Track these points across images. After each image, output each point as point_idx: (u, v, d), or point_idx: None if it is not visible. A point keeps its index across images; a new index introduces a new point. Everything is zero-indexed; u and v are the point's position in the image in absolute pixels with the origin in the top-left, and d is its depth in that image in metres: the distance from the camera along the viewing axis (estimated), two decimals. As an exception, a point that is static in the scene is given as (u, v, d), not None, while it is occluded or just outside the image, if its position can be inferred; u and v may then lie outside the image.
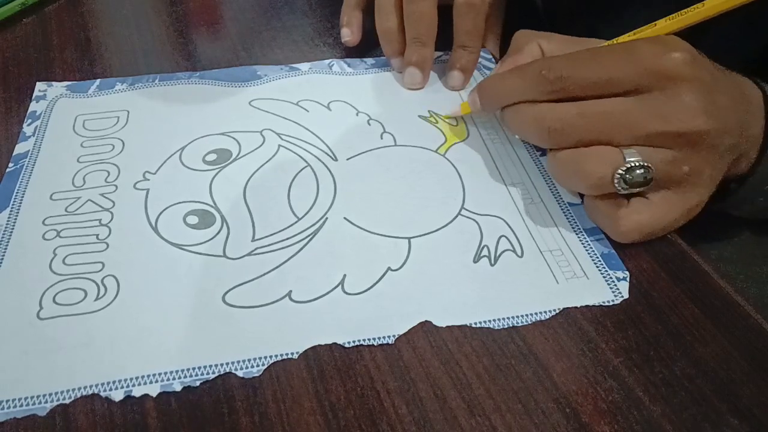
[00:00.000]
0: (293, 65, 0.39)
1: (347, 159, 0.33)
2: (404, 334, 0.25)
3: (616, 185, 0.26)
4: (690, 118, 0.25)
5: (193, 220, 0.29)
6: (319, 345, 0.24)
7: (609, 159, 0.26)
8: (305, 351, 0.24)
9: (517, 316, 0.25)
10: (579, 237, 0.29)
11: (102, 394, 0.23)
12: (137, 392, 0.23)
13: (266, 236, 0.28)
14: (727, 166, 0.27)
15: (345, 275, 0.27)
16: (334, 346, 0.24)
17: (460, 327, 0.25)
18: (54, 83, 0.37)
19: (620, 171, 0.25)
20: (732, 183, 0.30)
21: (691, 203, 0.27)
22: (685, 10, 0.28)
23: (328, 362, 0.24)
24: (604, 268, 0.28)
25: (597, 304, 0.26)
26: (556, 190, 0.31)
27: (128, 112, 0.35)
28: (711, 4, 0.28)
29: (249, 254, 0.28)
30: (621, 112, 0.26)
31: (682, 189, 0.27)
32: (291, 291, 0.26)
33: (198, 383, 0.23)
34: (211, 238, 0.28)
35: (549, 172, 0.30)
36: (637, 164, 0.25)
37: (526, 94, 0.28)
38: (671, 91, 0.25)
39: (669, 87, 0.25)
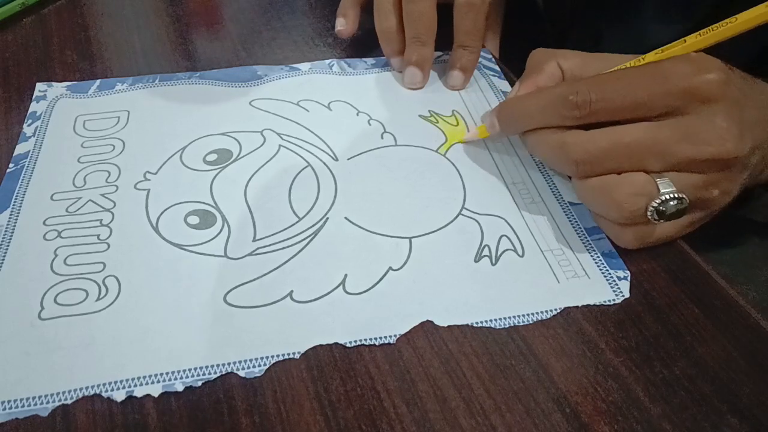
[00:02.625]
0: (293, 65, 0.39)
1: (348, 159, 0.33)
2: (404, 334, 0.25)
3: (650, 216, 0.25)
4: (723, 143, 0.24)
5: (194, 220, 0.29)
6: (319, 345, 0.24)
7: (642, 190, 0.25)
8: (305, 351, 0.24)
9: (519, 316, 0.26)
10: (580, 236, 0.29)
11: (104, 394, 0.23)
12: (139, 392, 0.23)
13: (267, 236, 0.28)
14: (751, 177, 0.27)
15: (346, 275, 0.27)
16: (334, 346, 0.24)
17: (460, 327, 0.25)
18: (54, 83, 0.37)
19: (654, 203, 0.25)
20: (758, 188, 0.29)
21: (703, 217, 0.27)
22: (717, 24, 0.27)
23: (328, 362, 0.24)
24: (605, 267, 0.28)
25: (598, 304, 0.26)
26: (557, 189, 0.31)
27: (128, 112, 0.35)
28: (744, 18, 0.26)
29: (250, 254, 0.28)
30: (652, 139, 0.25)
31: (708, 209, 0.26)
32: (292, 291, 0.26)
33: (200, 383, 0.23)
34: (212, 239, 0.28)
35: (578, 198, 0.29)
36: (671, 196, 0.25)
37: (551, 119, 0.27)
38: (704, 114, 0.25)
39: (702, 110, 0.25)
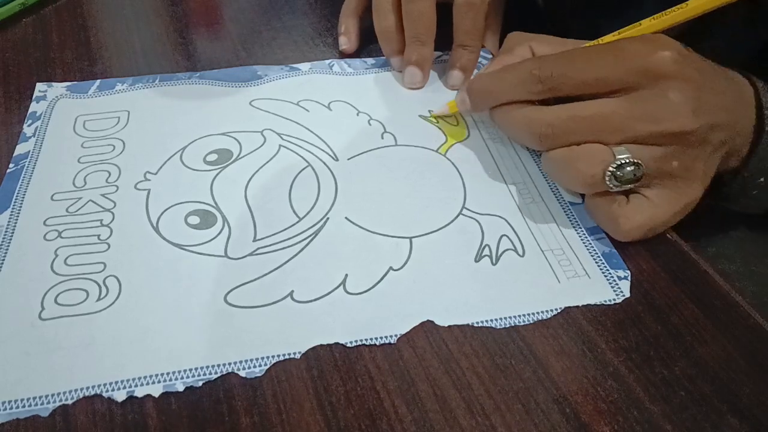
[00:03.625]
0: (293, 65, 0.39)
1: (348, 159, 0.33)
2: (404, 334, 0.25)
3: (608, 182, 0.26)
4: (676, 117, 0.26)
5: (194, 220, 0.29)
6: (320, 345, 0.24)
7: (599, 157, 0.26)
8: (306, 351, 0.24)
9: (519, 316, 0.26)
10: (580, 236, 0.29)
11: (104, 394, 0.23)
12: (140, 392, 0.23)
13: (268, 236, 0.28)
14: (719, 159, 0.28)
15: (347, 275, 0.27)
16: (334, 346, 0.24)
17: (460, 327, 0.25)
18: (54, 84, 0.37)
19: (611, 168, 0.26)
20: (726, 176, 0.30)
21: (687, 198, 0.27)
22: (669, 10, 0.29)
23: (328, 362, 0.24)
24: (605, 267, 0.28)
25: (599, 303, 0.26)
26: (557, 189, 0.31)
27: (129, 112, 0.35)
28: (694, 4, 0.29)
29: (251, 254, 0.28)
30: (610, 113, 0.26)
31: (677, 184, 0.27)
32: (293, 291, 0.26)
33: (200, 383, 0.23)
34: (213, 239, 0.28)
35: (544, 171, 0.31)
36: (626, 161, 0.26)
37: (516, 93, 0.29)
38: (659, 89, 0.26)
39: (657, 85, 0.26)
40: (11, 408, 0.22)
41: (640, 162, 0.26)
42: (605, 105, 0.26)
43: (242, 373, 0.23)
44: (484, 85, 0.31)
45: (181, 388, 0.23)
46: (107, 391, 0.23)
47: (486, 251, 0.28)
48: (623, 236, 0.28)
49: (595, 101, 0.27)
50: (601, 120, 0.26)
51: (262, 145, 0.33)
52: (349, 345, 0.24)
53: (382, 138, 0.34)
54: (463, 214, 0.30)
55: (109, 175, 0.31)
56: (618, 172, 0.26)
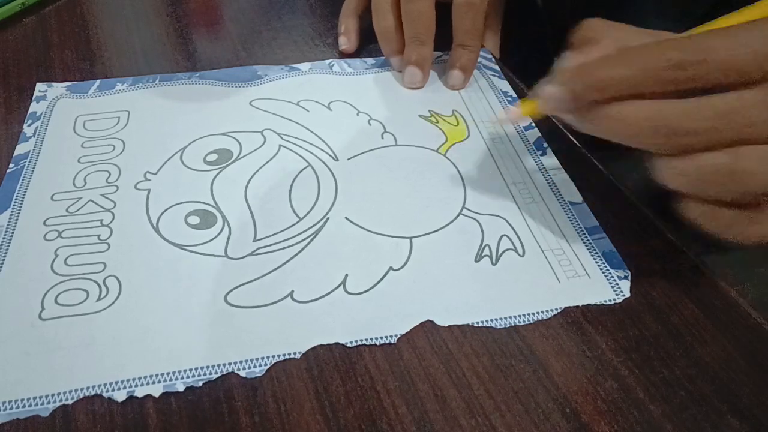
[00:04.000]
0: (293, 65, 0.39)
1: (348, 159, 0.33)
2: (404, 334, 0.25)
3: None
4: None
5: (194, 220, 0.29)
6: (320, 345, 0.24)
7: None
8: (305, 351, 0.24)
9: (519, 315, 0.26)
10: (580, 236, 0.29)
11: (105, 394, 0.23)
12: (140, 392, 0.23)
13: (268, 236, 0.28)
14: None
15: (347, 275, 0.27)
16: (334, 346, 0.24)
17: (460, 327, 0.25)
18: (54, 84, 0.37)
19: None
20: None
21: None
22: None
23: (328, 362, 0.24)
24: (605, 266, 0.28)
25: (599, 303, 0.26)
26: (557, 188, 0.31)
27: (129, 112, 0.35)
28: None
29: (251, 254, 0.28)
30: (756, 106, 0.22)
31: None
32: (293, 291, 0.26)
33: (201, 383, 0.23)
34: (213, 239, 0.28)
35: (667, 178, 0.24)
36: None
37: (646, 82, 0.23)
38: None
39: None
40: (11, 408, 0.22)
41: None
42: (750, 97, 0.22)
43: (242, 373, 0.23)
44: (593, 74, 0.24)
45: (181, 388, 0.23)
46: (107, 391, 0.23)
47: (486, 251, 0.28)
48: (747, 242, 0.24)
49: (736, 93, 0.22)
50: (755, 112, 0.22)
51: (262, 145, 0.33)
52: (349, 345, 0.24)
53: (382, 138, 0.34)
54: (463, 214, 0.30)
55: (109, 175, 0.31)
56: None
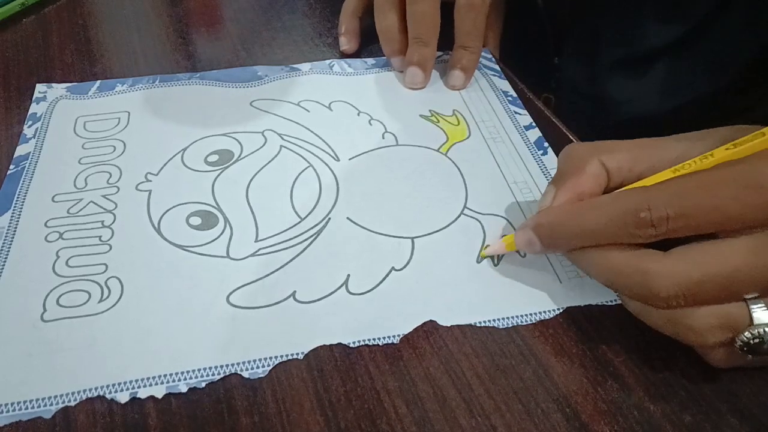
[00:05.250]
0: (294, 65, 0.39)
1: (349, 159, 0.33)
2: (404, 334, 0.25)
3: (738, 349, 0.21)
4: None
5: (195, 221, 0.29)
6: (320, 345, 0.24)
7: (729, 321, 0.21)
8: (308, 352, 0.24)
9: (521, 316, 0.26)
10: (580, 237, 0.29)
11: (107, 396, 0.23)
12: (142, 394, 0.23)
13: (269, 237, 0.28)
14: None
15: (349, 275, 0.27)
16: (334, 346, 0.24)
17: (460, 327, 0.25)
18: (54, 85, 0.37)
19: (745, 337, 0.21)
20: None
21: None
22: None
23: (328, 362, 0.24)
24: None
25: (600, 303, 0.26)
26: (557, 189, 0.31)
27: (129, 113, 0.35)
28: None
29: (252, 255, 0.28)
30: (753, 265, 0.20)
31: None
32: (295, 291, 0.26)
33: (203, 384, 0.23)
34: (215, 239, 0.28)
35: (637, 314, 0.24)
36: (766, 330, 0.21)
37: (614, 236, 0.22)
38: None
39: None
40: (13, 410, 0.22)
41: None
42: (748, 256, 0.21)
43: (245, 374, 0.23)
44: (566, 226, 0.24)
45: (184, 389, 0.23)
46: (110, 392, 0.23)
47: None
48: (715, 363, 0.23)
49: (732, 248, 0.21)
50: (743, 276, 0.20)
51: (263, 146, 0.33)
52: (351, 345, 0.24)
53: (383, 138, 0.34)
54: (465, 214, 0.30)
55: (110, 176, 0.31)
56: (754, 341, 0.21)
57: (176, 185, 0.31)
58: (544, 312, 0.26)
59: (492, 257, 0.28)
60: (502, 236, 0.28)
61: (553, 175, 0.32)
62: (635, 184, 0.24)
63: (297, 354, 0.24)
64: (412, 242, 0.28)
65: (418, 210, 0.30)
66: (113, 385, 0.23)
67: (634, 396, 0.23)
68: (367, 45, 0.41)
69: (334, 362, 0.24)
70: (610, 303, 0.26)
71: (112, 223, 0.29)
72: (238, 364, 0.24)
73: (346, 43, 0.40)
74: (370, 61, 0.40)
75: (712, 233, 0.22)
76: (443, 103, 0.37)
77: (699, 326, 0.21)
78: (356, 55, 0.40)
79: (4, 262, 0.27)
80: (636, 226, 0.21)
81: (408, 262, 0.28)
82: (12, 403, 0.22)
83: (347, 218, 0.29)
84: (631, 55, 0.43)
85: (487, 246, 0.28)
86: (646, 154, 0.24)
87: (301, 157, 0.33)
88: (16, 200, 0.30)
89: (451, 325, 0.25)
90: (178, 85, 0.37)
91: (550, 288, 0.27)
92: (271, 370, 0.24)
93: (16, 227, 0.29)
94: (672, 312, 0.22)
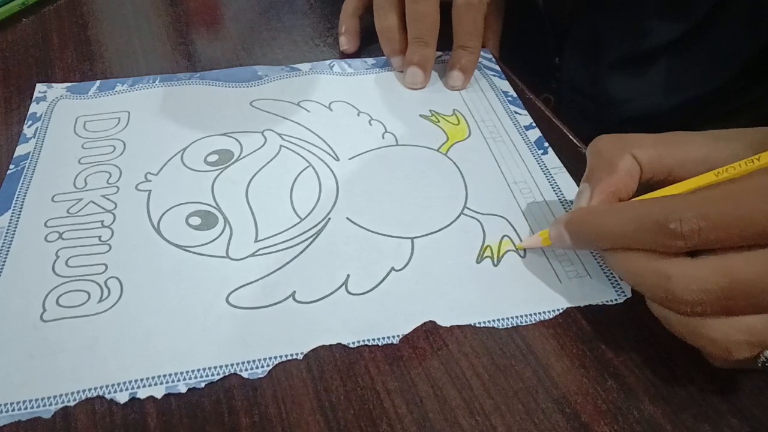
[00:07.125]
0: (294, 65, 0.39)
1: (349, 159, 0.33)
2: (405, 334, 0.25)
3: (760, 365, 0.21)
4: None
5: (195, 221, 0.29)
6: (319, 345, 0.24)
7: (758, 337, 0.21)
8: (307, 352, 0.24)
9: (521, 316, 0.26)
10: (580, 237, 0.29)
11: (107, 396, 0.23)
12: (142, 394, 0.23)
13: (269, 237, 0.28)
14: None
15: (349, 275, 0.27)
16: (334, 347, 0.24)
17: (460, 327, 0.25)
18: (54, 84, 0.37)
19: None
20: None
21: None
22: None
23: (328, 362, 0.24)
24: (607, 266, 0.28)
25: (600, 303, 0.26)
26: (558, 188, 0.31)
27: (129, 113, 0.35)
28: None
29: (252, 255, 0.28)
30: None
31: None
32: (295, 291, 0.26)
33: (203, 384, 0.23)
34: (214, 240, 0.28)
35: (663, 321, 0.23)
36: None
37: (642, 242, 0.22)
38: None
39: None
40: (13, 410, 0.22)
41: None
42: (766, 263, 0.20)
43: (245, 374, 0.23)
44: (597, 226, 0.24)
45: (183, 389, 0.23)
46: (110, 392, 0.23)
47: (488, 252, 0.28)
48: (720, 364, 0.23)
49: (752, 257, 0.20)
50: (764, 283, 0.20)
51: (262, 146, 0.33)
52: (351, 345, 0.24)
53: (383, 138, 0.34)
54: (465, 214, 0.30)
55: (110, 176, 0.31)
56: None
57: (176, 185, 0.31)
58: (544, 312, 0.26)
59: (492, 257, 0.28)
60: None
61: (554, 175, 0.32)
62: (671, 188, 0.23)
63: (297, 354, 0.24)
64: (412, 242, 0.28)
65: (418, 210, 0.30)
66: (113, 385, 0.23)
67: (634, 396, 0.23)
68: (367, 45, 0.41)
69: (334, 362, 0.24)
70: (610, 303, 0.26)
71: (112, 223, 0.29)
72: (237, 364, 0.24)
73: (346, 43, 0.40)
74: (370, 61, 0.40)
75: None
76: (443, 103, 0.37)
77: (721, 339, 0.21)
78: (356, 55, 0.40)
79: (4, 262, 0.27)
80: (665, 237, 0.21)
81: (408, 262, 0.28)
82: (11, 403, 0.22)
83: (347, 218, 0.29)
84: (632, 54, 0.43)
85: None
86: (671, 149, 0.24)
87: (301, 157, 0.33)
88: (16, 200, 0.30)
89: (451, 326, 0.25)
90: (178, 85, 0.37)
91: (550, 288, 0.27)
92: (270, 370, 0.24)
93: (15, 227, 0.29)
94: (694, 322, 0.21)
